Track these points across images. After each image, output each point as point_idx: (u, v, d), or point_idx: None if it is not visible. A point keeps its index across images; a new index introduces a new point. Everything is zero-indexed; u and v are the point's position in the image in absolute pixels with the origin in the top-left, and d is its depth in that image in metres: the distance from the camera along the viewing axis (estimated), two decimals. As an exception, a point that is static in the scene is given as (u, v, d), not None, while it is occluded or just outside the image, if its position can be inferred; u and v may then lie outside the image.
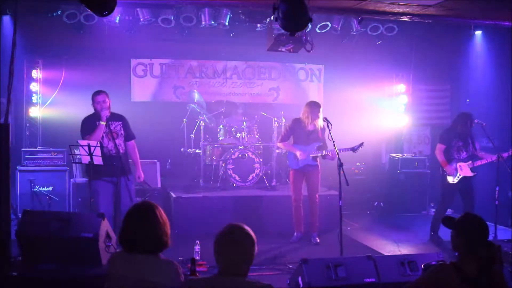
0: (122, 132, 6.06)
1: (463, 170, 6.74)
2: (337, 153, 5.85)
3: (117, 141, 5.92)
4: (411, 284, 3.09)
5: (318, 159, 6.69)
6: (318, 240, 6.71)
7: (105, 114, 5.82)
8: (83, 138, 5.83)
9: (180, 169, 8.89)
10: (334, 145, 5.91)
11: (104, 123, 5.82)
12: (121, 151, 5.96)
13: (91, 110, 5.99)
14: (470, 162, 6.73)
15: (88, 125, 5.90)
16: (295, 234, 6.80)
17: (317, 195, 6.77)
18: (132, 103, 8.82)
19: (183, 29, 7.86)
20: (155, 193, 7.71)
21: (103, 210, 5.64)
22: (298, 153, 6.58)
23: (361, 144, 6.26)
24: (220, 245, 2.67)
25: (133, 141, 6.20)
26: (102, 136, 5.88)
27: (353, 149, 6.27)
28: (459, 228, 3.04)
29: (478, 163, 6.72)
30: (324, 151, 6.52)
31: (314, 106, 6.57)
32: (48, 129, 8.46)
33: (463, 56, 9.01)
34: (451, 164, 6.78)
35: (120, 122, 6.07)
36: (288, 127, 6.85)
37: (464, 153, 6.79)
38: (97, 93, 5.92)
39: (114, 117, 6.03)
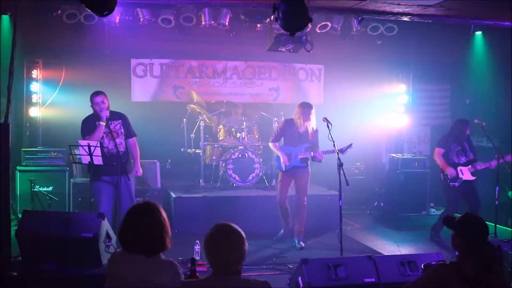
0: (122, 130, 6.06)
1: (465, 174, 6.76)
2: (337, 153, 5.82)
3: (117, 140, 5.92)
4: (411, 283, 3.09)
5: (308, 161, 6.57)
6: (303, 245, 6.49)
7: (105, 114, 5.82)
8: (83, 139, 5.82)
9: (180, 169, 8.88)
10: (334, 145, 5.88)
11: (104, 124, 5.82)
12: (121, 150, 5.97)
13: (91, 110, 5.99)
14: (470, 166, 6.76)
15: (88, 126, 5.90)
16: (282, 230, 6.67)
17: (305, 198, 6.54)
18: (132, 103, 8.82)
19: (183, 29, 7.86)
20: (155, 193, 7.70)
21: (103, 210, 5.66)
22: (281, 160, 6.46)
23: (350, 146, 6.07)
24: (211, 246, 2.66)
25: (134, 138, 6.20)
26: (102, 136, 5.87)
27: (341, 151, 5.97)
28: (458, 228, 3.05)
29: (478, 167, 6.75)
30: (312, 153, 6.37)
31: (305, 107, 6.42)
32: (48, 129, 8.44)
33: (463, 56, 9.01)
34: (451, 166, 6.80)
35: (120, 121, 6.06)
36: (279, 128, 6.70)
37: (463, 157, 6.84)
38: (96, 94, 5.90)
39: (114, 116, 6.02)
